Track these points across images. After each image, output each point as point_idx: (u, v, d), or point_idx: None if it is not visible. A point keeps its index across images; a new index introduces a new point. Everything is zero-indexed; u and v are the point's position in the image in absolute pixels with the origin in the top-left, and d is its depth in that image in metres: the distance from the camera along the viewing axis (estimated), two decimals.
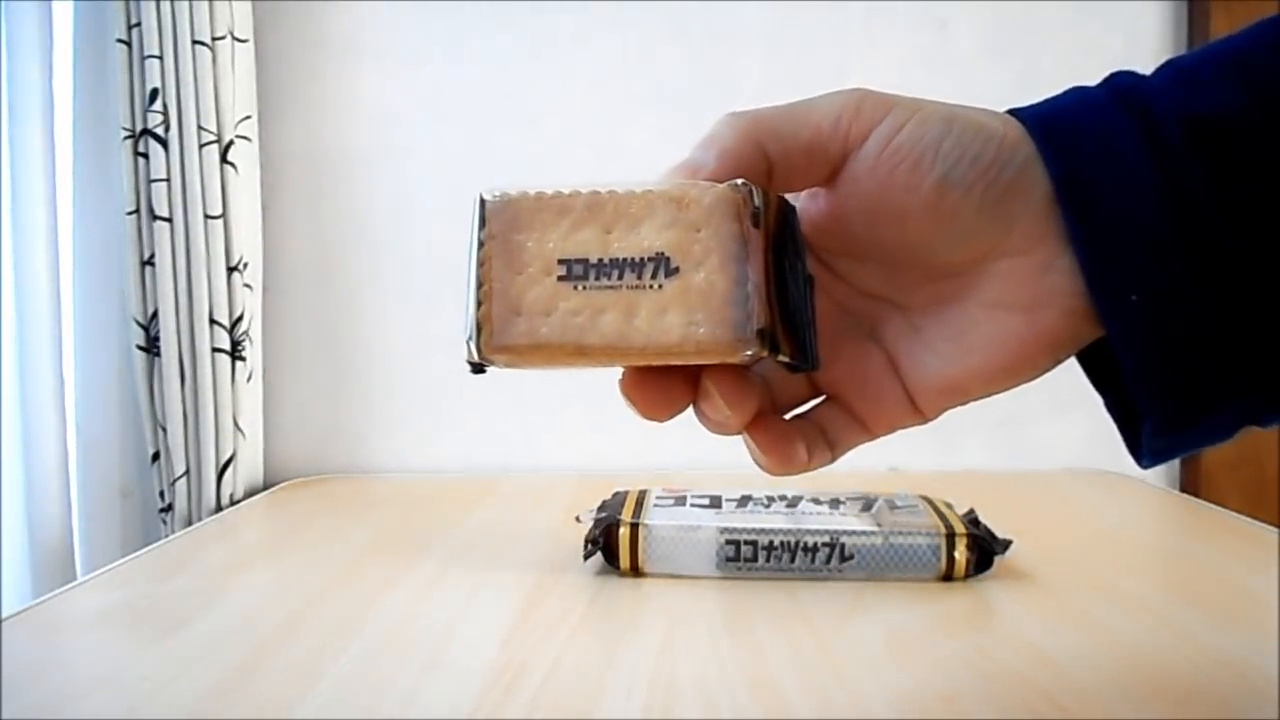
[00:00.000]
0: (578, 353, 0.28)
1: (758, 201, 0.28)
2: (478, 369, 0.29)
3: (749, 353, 0.27)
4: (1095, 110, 0.29)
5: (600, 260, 0.27)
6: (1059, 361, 0.31)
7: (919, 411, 0.33)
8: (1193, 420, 0.30)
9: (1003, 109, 0.32)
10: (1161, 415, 0.30)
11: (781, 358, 0.28)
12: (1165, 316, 0.28)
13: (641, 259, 0.27)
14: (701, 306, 0.27)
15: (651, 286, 0.27)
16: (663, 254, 0.27)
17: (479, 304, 0.28)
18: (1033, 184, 0.29)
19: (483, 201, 0.28)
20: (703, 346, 0.27)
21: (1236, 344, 0.28)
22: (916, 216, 0.29)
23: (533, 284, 0.28)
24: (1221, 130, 0.27)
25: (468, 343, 0.28)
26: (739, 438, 0.33)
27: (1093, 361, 0.32)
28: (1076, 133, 0.29)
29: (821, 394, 0.34)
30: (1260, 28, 0.29)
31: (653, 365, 0.29)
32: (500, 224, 0.28)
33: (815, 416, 0.34)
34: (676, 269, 0.27)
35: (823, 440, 0.33)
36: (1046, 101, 0.31)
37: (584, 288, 0.27)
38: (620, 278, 0.27)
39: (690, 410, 0.31)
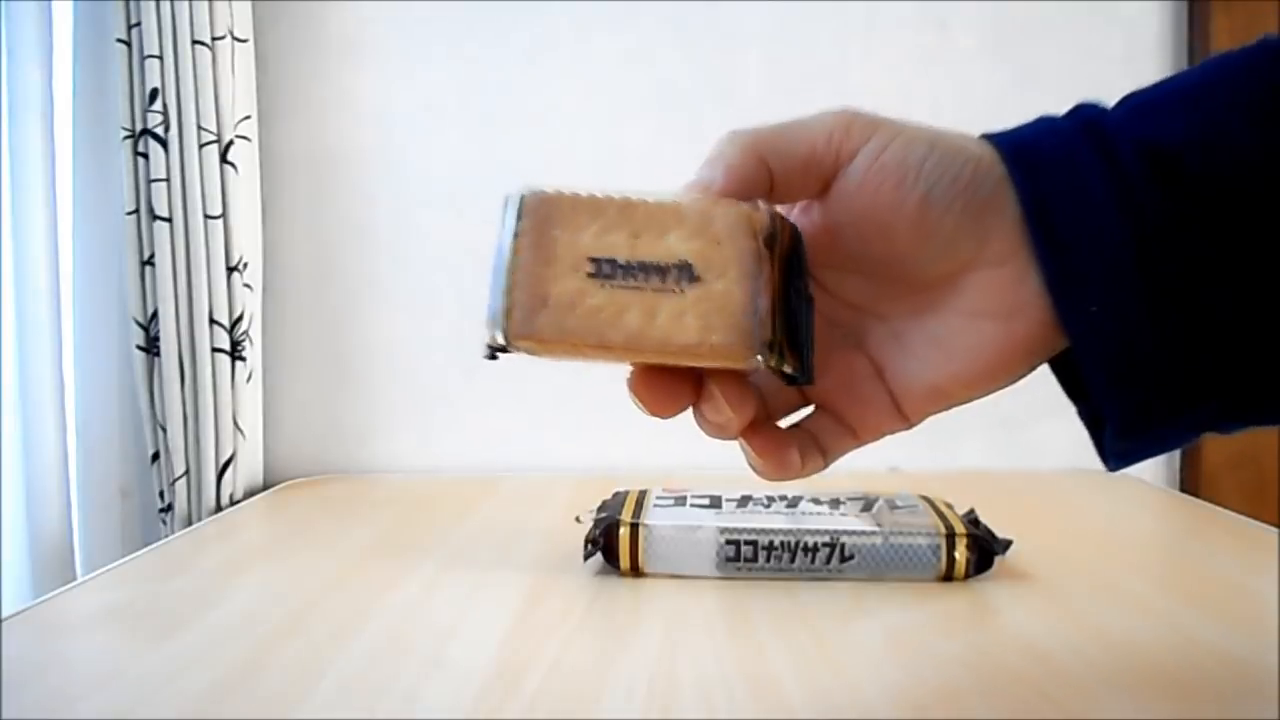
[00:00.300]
0: (599, 346, 0.29)
1: (773, 224, 0.30)
2: (493, 355, 0.30)
3: (758, 360, 0.29)
4: (1061, 138, 0.32)
5: (628, 262, 0.29)
6: (1034, 367, 0.33)
7: (904, 417, 0.35)
8: (1151, 424, 0.32)
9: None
10: (1121, 419, 0.32)
11: (785, 368, 0.30)
12: (1123, 326, 0.30)
13: (666, 264, 0.29)
14: (719, 314, 0.29)
15: (674, 291, 0.29)
16: (687, 262, 0.29)
17: (508, 292, 0.29)
18: (1005, 203, 0.31)
19: (521, 196, 0.30)
20: (716, 350, 0.29)
21: (1190, 352, 0.30)
22: (902, 229, 0.32)
23: (562, 277, 0.29)
24: (1172, 156, 0.30)
25: (492, 327, 0.29)
26: (736, 443, 0.34)
27: (1065, 371, 0.35)
28: (1043, 158, 0.31)
29: (810, 405, 0.36)
30: (1209, 65, 0.32)
31: (663, 365, 0.31)
32: (536, 219, 0.29)
33: (807, 425, 0.36)
34: (698, 277, 0.29)
35: (815, 447, 0.35)
36: (1017, 129, 0.33)
37: (610, 286, 0.29)
38: (645, 280, 0.29)
39: (690, 414, 0.33)
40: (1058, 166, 0.31)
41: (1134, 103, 0.32)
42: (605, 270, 0.29)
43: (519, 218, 0.30)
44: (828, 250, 0.33)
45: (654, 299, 0.29)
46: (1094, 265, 0.30)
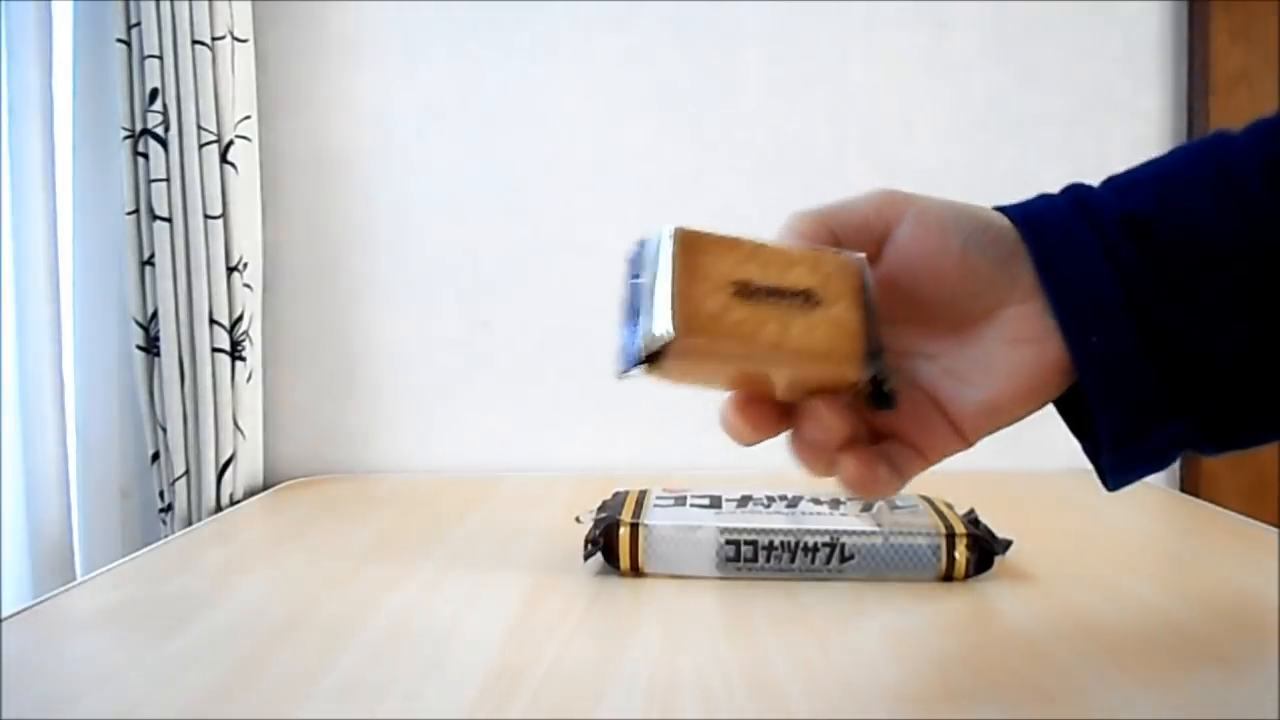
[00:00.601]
0: (745, 350, 0.34)
1: (865, 269, 0.37)
2: (632, 371, 0.35)
3: (872, 370, 0.36)
4: (1058, 212, 0.39)
5: (763, 285, 0.35)
6: (1067, 384, 0.39)
7: (963, 438, 0.40)
8: (1134, 437, 0.39)
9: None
10: (1110, 431, 0.39)
11: (887, 387, 0.36)
12: (1115, 352, 0.38)
13: (794, 290, 0.35)
14: (840, 330, 0.35)
15: (801, 310, 0.35)
16: (809, 289, 0.36)
17: (669, 307, 0.34)
18: (1022, 256, 0.39)
19: (675, 230, 0.35)
20: (843, 357, 0.35)
21: (1163, 376, 0.38)
22: (949, 270, 0.38)
23: (712, 294, 0.34)
24: (1145, 221, 0.38)
25: (649, 339, 0.34)
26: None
27: (1070, 414, 0.41)
28: (1046, 225, 0.39)
29: (877, 435, 0.41)
30: (1176, 152, 0.40)
31: (761, 395, 0.37)
32: (685, 248, 0.35)
33: (882, 449, 0.41)
34: (819, 302, 0.36)
35: (892, 467, 0.40)
36: (1022, 203, 0.40)
37: (750, 302, 0.35)
38: (777, 300, 0.35)
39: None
40: (1057, 232, 0.39)
41: (1115, 183, 0.40)
42: (745, 290, 0.35)
43: (672, 248, 0.34)
44: (884, 302, 0.38)
45: (787, 315, 0.35)
46: (1090, 306, 0.38)
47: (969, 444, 0.40)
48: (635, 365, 0.34)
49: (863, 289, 0.36)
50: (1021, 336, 0.39)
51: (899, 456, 0.40)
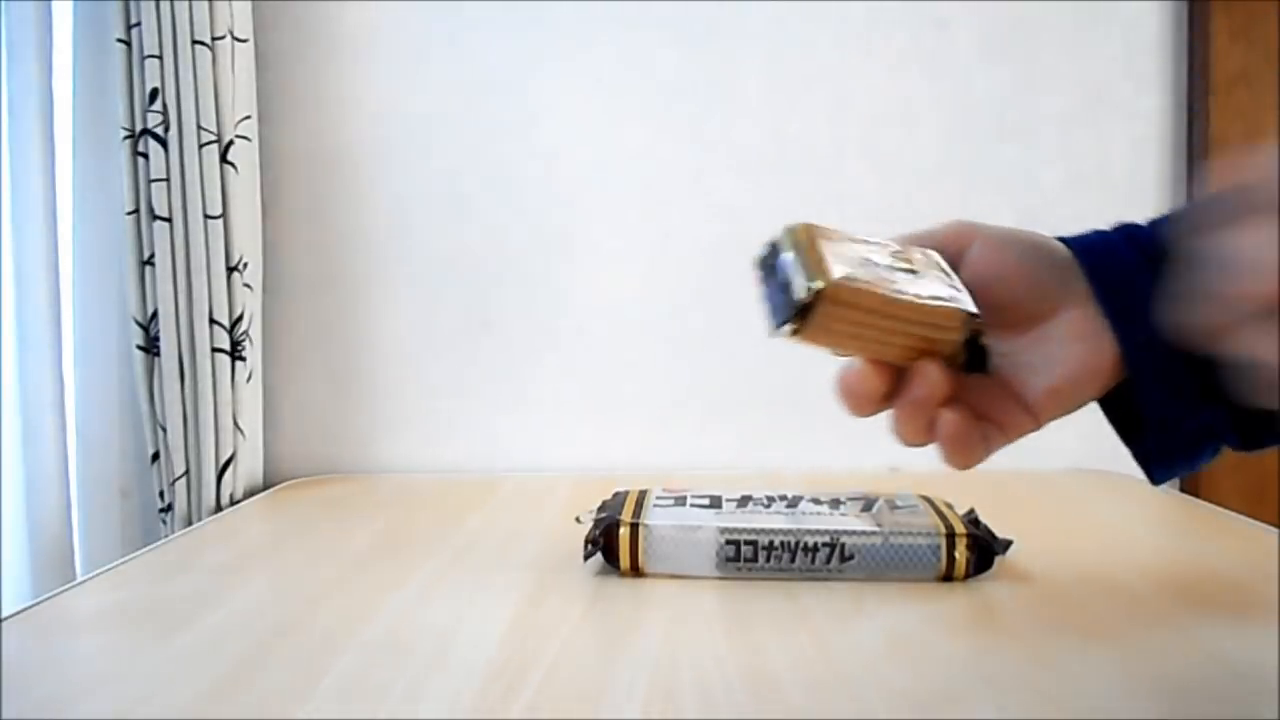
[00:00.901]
0: (875, 301, 0.41)
1: (945, 263, 0.46)
2: (794, 320, 0.41)
3: (973, 325, 0.43)
4: (1106, 237, 0.48)
5: (876, 260, 0.43)
6: (1118, 376, 0.45)
7: (1034, 418, 0.46)
8: (1173, 421, 0.45)
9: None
10: (1154, 415, 0.46)
11: (985, 340, 0.44)
12: (1154, 345, 0.43)
13: (897, 265, 0.43)
14: (941, 291, 0.43)
15: (910, 277, 0.43)
16: (909, 266, 0.44)
17: (816, 268, 0.41)
18: (1075, 269, 0.46)
19: (804, 225, 0.43)
20: (950, 313, 0.43)
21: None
22: (1013, 278, 0.46)
23: (840, 260, 0.42)
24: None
25: (802, 292, 0.40)
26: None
27: (1120, 423, 0.48)
28: (1095, 245, 0.47)
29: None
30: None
31: (884, 350, 0.43)
32: (811, 235, 0.43)
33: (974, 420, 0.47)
34: (917, 273, 0.44)
35: (982, 436, 0.45)
36: (1077, 235, 0.48)
37: (870, 267, 0.42)
38: (891, 269, 0.43)
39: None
40: (1105, 251, 0.47)
41: (1155, 220, 0.48)
42: (866, 261, 0.43)
43: (804, 232, 0.43)
44: None
45: (902, 276, 0.43)
46: (1133, 306, 0.44)
47: (1040, 424, 0.46)
48: (787, 320, 0.41)
49: (948, 272, 0.45)
50: (1077, 334, 0.45)
51: (986, 429, 0.46)
